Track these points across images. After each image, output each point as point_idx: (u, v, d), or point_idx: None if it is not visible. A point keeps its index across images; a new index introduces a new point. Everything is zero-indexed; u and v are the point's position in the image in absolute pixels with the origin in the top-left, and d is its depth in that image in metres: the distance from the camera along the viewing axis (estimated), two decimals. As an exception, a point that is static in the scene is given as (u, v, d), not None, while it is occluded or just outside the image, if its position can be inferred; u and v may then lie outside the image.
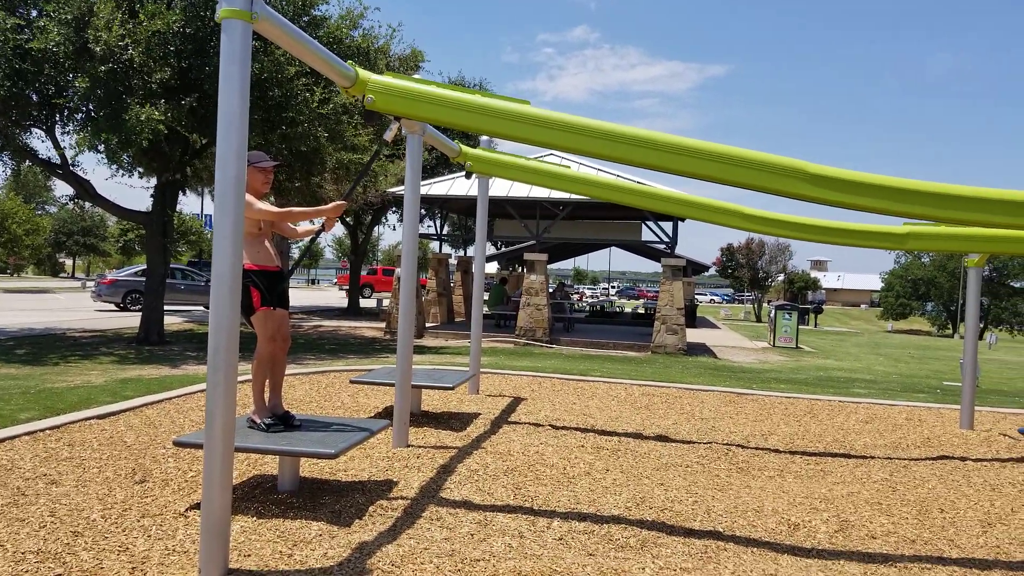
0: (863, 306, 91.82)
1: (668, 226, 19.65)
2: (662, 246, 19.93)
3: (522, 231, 20.61)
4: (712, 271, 56.65)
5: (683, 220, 18.49)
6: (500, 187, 18.22)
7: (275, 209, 4.61)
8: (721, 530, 4.59)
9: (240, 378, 9.03)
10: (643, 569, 3.90)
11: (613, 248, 40.39)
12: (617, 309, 38.66)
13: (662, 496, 5.22)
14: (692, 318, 31.62)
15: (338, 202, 4.81)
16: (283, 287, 4.87)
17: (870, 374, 14.45)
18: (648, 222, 20.82)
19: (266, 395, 4.98)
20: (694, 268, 39.15)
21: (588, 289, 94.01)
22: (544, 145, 4.93)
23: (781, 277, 69.63)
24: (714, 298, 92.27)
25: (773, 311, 21.96)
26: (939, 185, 4.23)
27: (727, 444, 7.01)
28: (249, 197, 4.50)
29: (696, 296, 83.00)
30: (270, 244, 4.82)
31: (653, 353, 16.79)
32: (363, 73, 4.81)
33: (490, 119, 4.76)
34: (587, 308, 35.48)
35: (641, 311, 32.01)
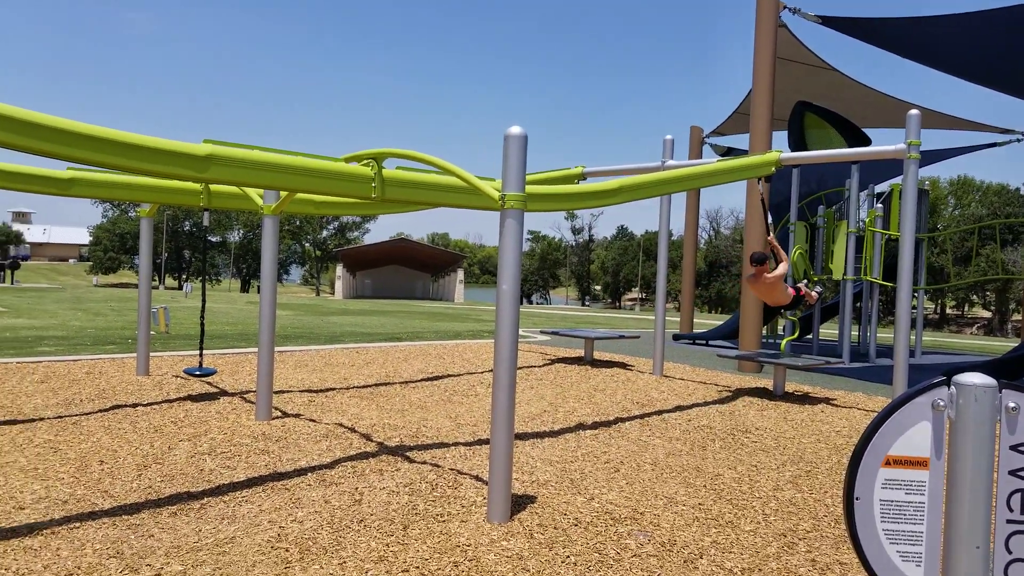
0: (72, 260, 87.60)
1: None
2: None
3: None
4: None
5: None
6: None
7: (784, 262, 8.45)
8: None
9: None
10: None
11: None
12: None
13: None
14: None
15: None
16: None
17: (64, 330, 13.70)
18: None
19: None
20: None
21: None
22: None
23: (-29, 228, 60.62)
24: None
25: (-50, 267, 18.80)
26: (83, 125, 4.01)
27: None
28: (778, 271, 8.35)
29: None
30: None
31: None
32: None
33: None
34: None
35: None
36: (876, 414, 2.92)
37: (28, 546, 3.68)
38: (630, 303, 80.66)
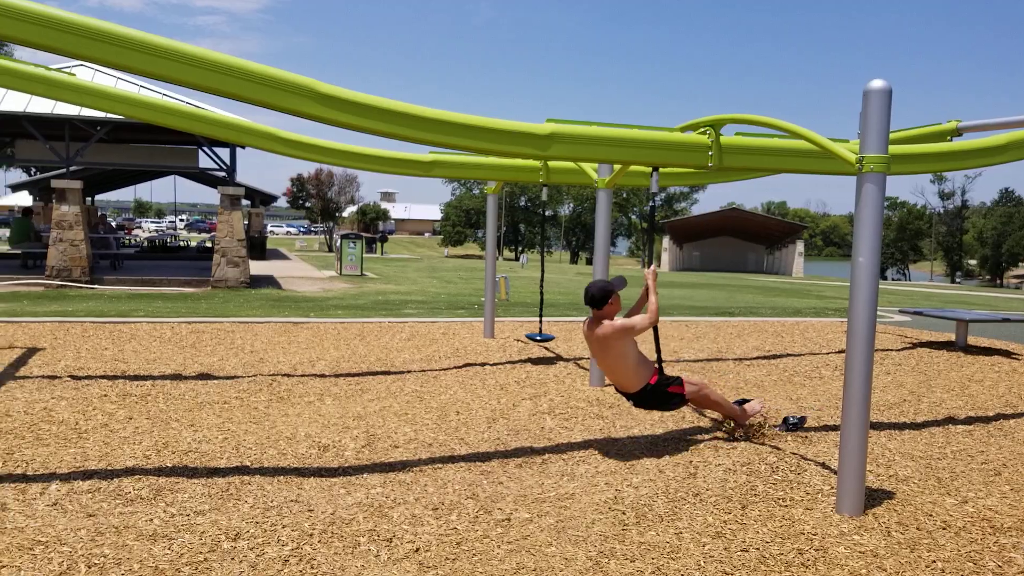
0: (427, 234, 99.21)
1: (225, 153, 18.49)
2: (222, 174, 18.70)
3: (49, 154, 17.54)
4: (283, 201, 55.63)
5: (243, 147, 17.54)
6: (16, 100, 15.23)
7: (649, 314, 4.70)
8: (248, 464, 4.41)
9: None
10: (150, 520, 3.54)
11: (177, 177, 36.91)
12: (181, 243, 35.81)
13: (189, 438, 4.85)
14: (262, 250, 30.77)
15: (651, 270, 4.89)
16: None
17: (423, 295, 15.55)
18: (204, 148, 19.31)
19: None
20: (263, 198, 37.89)
21: (152, 223, 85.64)
22: (60, 52, 3.91)
23: (354, 208, 71.52)
24: (291, 230, 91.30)
25: (339, 240, 22.36)
26: (443, 113, 4.42)
27: (272, 375, 6.83)
28: (625, 322, 4.63)
29: (271, 228, 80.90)
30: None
31: (213, 288, 15.87)
32: None
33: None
34: (143, 243, 32.15)
35: (209, 245, 30.08)
36: None
37: (402, 480, 4.21)
38: (1015, 281, 68.58)
